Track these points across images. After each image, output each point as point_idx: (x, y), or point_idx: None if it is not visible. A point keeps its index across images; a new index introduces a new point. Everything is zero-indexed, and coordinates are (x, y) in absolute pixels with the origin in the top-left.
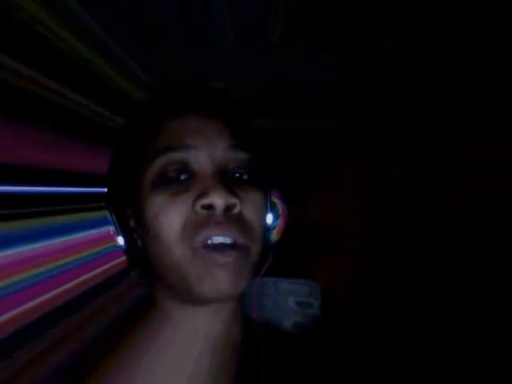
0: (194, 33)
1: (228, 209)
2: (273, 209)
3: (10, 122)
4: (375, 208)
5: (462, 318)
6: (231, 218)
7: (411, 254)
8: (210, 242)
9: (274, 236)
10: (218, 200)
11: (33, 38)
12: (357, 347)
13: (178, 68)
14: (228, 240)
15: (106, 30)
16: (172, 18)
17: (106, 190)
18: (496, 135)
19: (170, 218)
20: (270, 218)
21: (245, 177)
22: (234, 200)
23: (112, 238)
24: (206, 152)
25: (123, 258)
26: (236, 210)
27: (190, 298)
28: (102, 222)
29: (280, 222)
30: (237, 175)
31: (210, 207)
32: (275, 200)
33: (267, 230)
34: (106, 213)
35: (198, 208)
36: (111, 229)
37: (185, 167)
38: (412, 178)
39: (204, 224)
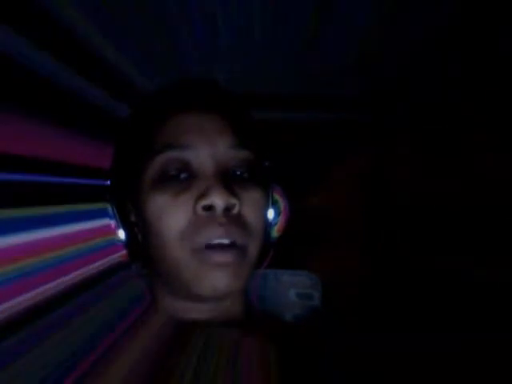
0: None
1: (227, 209)
2: (274, 205)
3: (13, 111)
4: (375, 208)
5: (462, 317)
6: (231, 219)
7: (411, 254)
8: (209, 243)
9: (275, 232)
10: (218, 201)
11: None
12: (357, 347)
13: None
14: (226, 241)
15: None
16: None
17: (108, 183)
18: (496, 136)
19: (172, 220)
20: (271, 214)
21: (245, 175)
22: (233, 201)
23: (112, 231)
24: (207, 151)
25: (122, 251)
26: (235, 211)
27: (188, 295)
28: (103, 214)
29: (281, 218)
30: (237, 173)
31: (210, 208)
32: (277, 196)
33: (268, 225)
34: (107, 205)
35: (198, 209)
36: (112, 222)
37: (185, 166)
38: (412, 178)
39: (204, 225)
